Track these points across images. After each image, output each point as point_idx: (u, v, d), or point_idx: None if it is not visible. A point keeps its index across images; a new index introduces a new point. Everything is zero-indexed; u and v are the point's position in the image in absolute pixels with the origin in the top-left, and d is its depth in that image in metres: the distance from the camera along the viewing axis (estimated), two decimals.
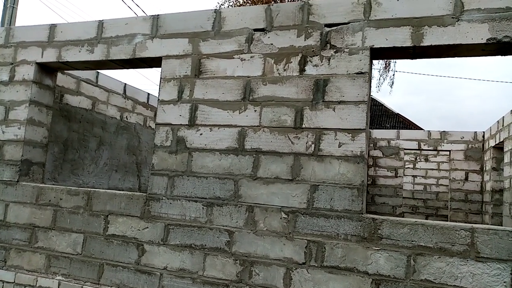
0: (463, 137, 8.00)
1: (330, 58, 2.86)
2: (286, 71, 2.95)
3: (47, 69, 3.96)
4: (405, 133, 8.50)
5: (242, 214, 2.91)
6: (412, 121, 21.66)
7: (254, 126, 2.98)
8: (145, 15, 3.50)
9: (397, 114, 21.28)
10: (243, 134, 3.00)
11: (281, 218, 2.81)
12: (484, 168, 7.66)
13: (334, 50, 2.85)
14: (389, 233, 2.56)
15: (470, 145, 7.93)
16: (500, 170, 6.97)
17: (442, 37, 2.62)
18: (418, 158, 10.95)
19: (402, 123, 20.81)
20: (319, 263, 2.68)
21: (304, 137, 2.84)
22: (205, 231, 2.99)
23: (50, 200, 3.49)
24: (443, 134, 8.19)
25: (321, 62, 2.87)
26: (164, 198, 3.14)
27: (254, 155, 2.95)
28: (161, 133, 3.25)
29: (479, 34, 2.55)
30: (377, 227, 2.59)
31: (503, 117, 6.38)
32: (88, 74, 5.28)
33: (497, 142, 6.69)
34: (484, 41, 2.53)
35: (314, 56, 2.90)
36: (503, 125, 6.38)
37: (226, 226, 2.94)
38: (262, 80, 3.01)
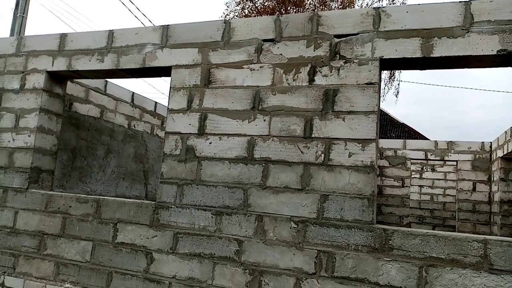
0: (470, 147, 7.97)
1: (339, 69, 2.87)
2: (295, 81, 2.97)
3: (57, 78, 4.00)
4: (411, 143, 8.48)
5: (251, 223, 2.91)
6: (418, 130, 21.61)
7: (263, 135, 2.99)
8: (154, 25, 3.55)
9: (402, 124, 21.25)
10: (252, 143, 3.01)
11: (290, 228, 2.81)
12: (492, 179, 7.61)
13: (344, 60, 2.87)
14: (401, 244, 2.54)
15: (477, 156, 7.89)
16: (509, 180, 6.92)
17: (452, 48, 2.63)
18: (424, 168, 10.90)
19: (407, 132, 20.76)
20: (330, 274, 2.66)
21: (314, 147, 2.84)
22: (214, 240, 2.98)
23: (59, 208, 3.51)
24: (450, 144, 8.15)
25: (331, 72, 2.89)
26: (173, 206, 3.15)
27: (263, 164, 2.95)
28: (170, 141, 3.26)
29: (489, 45, 2.55)
30: (388, 238, 2.58)
31: (511, 127, 6.35)
32: (97, 82, 5.33)
33: (505, 153, 6.65)
34: (494, 52, 2.54)
35: (323, 66, 2.92)
36: (510, 136, 6.35)
37: (235, 235, 2.94)
38: (271, 90, 3.03)
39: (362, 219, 2.66)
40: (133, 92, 6.12)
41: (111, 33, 3.67)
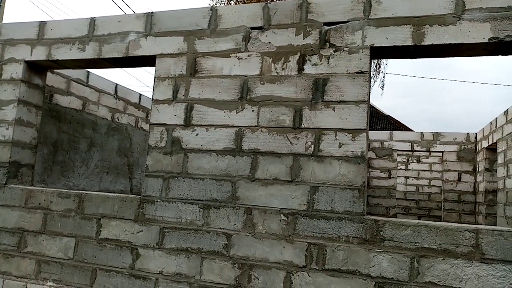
0: (456, 138, 8.04)
1: (329, 57, 2.80)
2: (284, 70, 2.89)
3: (36, 68, 3.84)
4: (398, 134, 8.51)
5: (240, 217, 2.84)
6: (403, 123, 21.81)
7: (252, 126, 2.91)
8: (138, 13, 3.41)
9: (388, 116, 21.41)
10: (240, 135, 2.93)
11: (280, 220, 2.74)
12: (477, 169, 7.70)
13: (334, 49, 2.80)
14: (392, 235, 2.51)
15: (462, 146, 7.97)
16: (493, 171, 7.00)
17: (443, 36, 2.58)
18: (410, 159, 10.99)
19: (393, 125, 20.93)
20: (320, 266, 2.61)
21: (304, 137, 2.78)
22: (202, 234, 2.90)
23: (40, 203, 3.38)
24: (436, 135, 8.21)
25: (320, 61, 2.82)
26: (159, 200, 3.05)
27: (252, 156, 2.88)
28: (155, 133, 3.16)
29: (481, 33, 2.51)
30: (379, 229, 2.54)
31: (496, 118, 6.41)
32: (79, 73, 5.16)
33: (490, 143, 6.71)
34: (486, 40, 2.50)
35: (313, 55, 2.84)
36: (496, 126, 6.41)
37: (223, 228, 2.86)
38: (259, 79, 2.94)
39: (353, 211, 2.61)
40: (117, 84, 5.96)
41: (92, 21, 3.52)
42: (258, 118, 2.90)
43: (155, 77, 3.24)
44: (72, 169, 5.06)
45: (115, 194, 3.20)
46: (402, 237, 2.49)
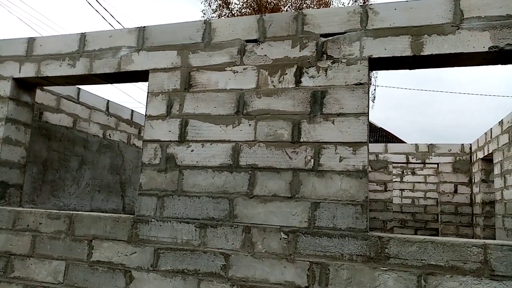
0: (451, 150, 8.01)
1: (327, 69, 2.74)
2: (281, 83, 2.82)
3: (25, 85, 3.73)
4: (393, 146, 8.47)
5: (238, 236, 2.72)
6: (395, 135, 21.90)
7: (249, 141, 2.82)
8: (130, 27, 3.34)
9: (380, 128, 21.49)
10: (237, 150, 2.83)
11: (280, 239, 2.63)
12: (473, 180, 7.66)
13: (331, 60, 2.74)
14: (397, 252, 2.41)
15: (457, 158, 7.94)
16: (490, 181, 6.96)
17: (443, 46, 2.53)
18: (405, 171, 10.95)
19: (385, 137, 21.00)
20: (323, 286, 2.50)
21: (303, 152, 2.69)
22: (199, 255, 2.78)
23: (28, 225, 3.23)
24: (431, 147, 8.19)
25: (318, 73, 2.75)
26: (153, 220, 2.93)
27: (250, 171, 2.78)
28: (149, 150, 3.05)
29: (481, 42, 2.47)
30: (384, 246, 2.44)
31: (491, 129, 6.40)
32: (69, 90, 5.06)
33: (485, 154, 6.69)
34: (486, 49, 2.46)
35: (310, 67, 2.78)
36: (491, 137, 6.39)
37: (221, 248, 2.74)
38: (256, 92, 2.87)
39: (356, 227, 2.52)
40: (108, 100, 5.86)
41: (83, 36, 3.44)
42: (255, 133, 2.81)
43: (148, 92, 3.15)
44: (63, 188, 4.91)
45: (107, 214, 3.07)
46: (408, 254, 2.39)
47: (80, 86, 5.27)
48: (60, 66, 3.46)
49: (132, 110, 6.45)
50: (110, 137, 5.87)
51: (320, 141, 2.67)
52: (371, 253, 2.45)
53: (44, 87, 4.63)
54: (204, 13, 20.36)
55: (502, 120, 5.85)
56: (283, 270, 2.59)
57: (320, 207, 2.60)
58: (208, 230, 2.79)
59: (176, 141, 2.99)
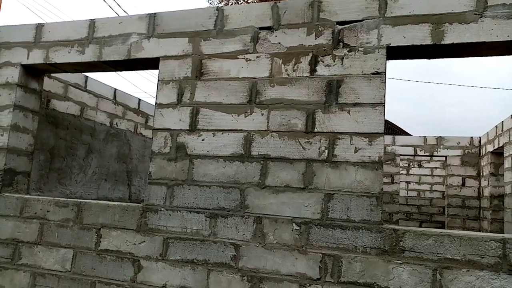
0: (459, 143, 7.93)
1: (343, 58, 2.67)
2: (295, 71, 2.75)
3: (33, 72, 3.68)
4: (401, 139, 8.39)
5: (249, 226, 2.68)
6: (400, 127, 21.76)
7: (262, 130, 2.76)
8: (140, 13, 3.27)
9: (386, 121, 21.35)
10: (249, 140, 2.78)
11: (292, 230, 2.59)
12: (481, 174, 7.58)
13: (348, 49, 2.67)
14: (412, 245, 2.36)
15: (466, 151, 7.86)
16: (499, 175, 6.89)
17: (465, 34, 2.45)
18: (411, 164, 10.87)
19: (391, 129, 20.88)
20: (336, 279, 2.46)
21: (317, 142, 2.63)
22: (209, 245, 2.74)
23: (36, 213, 3.20)
24: (439, 139, 8.10)
25: (334, 62, 2.68)
26: (162, 209, 2.89)
27: (262, 161, 2.73)
28: (159, 139, 3.00)
29: (505, 31, 2.39)
30: (399, 239, 2.39)
31: (503, 122, 6.31)
32: (77, 78, 5.00)
33: (495, 147, 6.61)
34: (510, 38, 2.38)
35: (326, 55, 2.71)
36: (502, 130, 6.30)
37: (231, 239, 2.70)
38: (269, 81, 2.80)
39: (370, 219, 2.47)
40: (115, 89, 5.80)
41: (92, 23, 3.38)
42: (268, 122, 2.75)
43: (158, 80, 3.09)
44: (69, 176, 4.88)
45: (115, 203, 3.04)
46: (424, 247, 2.34)
47: (87, 74, 5.22)
48: (69, 52, 3.40)
49: (139, 99, 6.40)
50: (117, 125, 5.83)
51: (335, 131, 2.61)
52: (386, 246, 2.41)
53: (52, 75, 4.57)
54: (210, 3, 20.16)
55: None
56: (294, 262, 2.55)
57: (334, 199, 2.55)
58: (219, 220, 2.75)
59: (187, 130, 2.94)
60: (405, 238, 2.38)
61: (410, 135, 18.86)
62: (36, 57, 3.52)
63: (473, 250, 2.26)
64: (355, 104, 2.59)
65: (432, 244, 2.33)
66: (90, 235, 3.03)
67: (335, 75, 2.66)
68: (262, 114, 2.78)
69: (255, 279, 2.61)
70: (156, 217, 2.89)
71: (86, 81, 5.19)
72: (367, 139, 2.54)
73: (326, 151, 2.61)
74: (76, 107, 5.00)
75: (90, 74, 5.32)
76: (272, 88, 2.78)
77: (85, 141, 5.15)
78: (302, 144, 2.67)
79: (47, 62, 3.48)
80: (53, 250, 3.10)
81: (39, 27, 3.57)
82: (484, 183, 7.39)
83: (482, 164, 7.59)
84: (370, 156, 2.52)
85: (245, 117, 2.82)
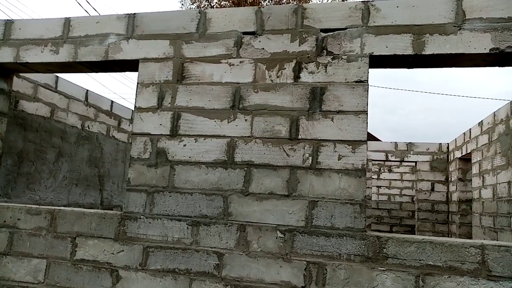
0: (429, 149, 8.18)
1: (327, 65, 2.68)
2: (279, 78, 2.74)
3: (1, 71, 3.49)
4: (373, 144, 8.57)
5: (232, 234, 2.64)
6: (370, 132, 22.24)
7: (245, 136, 2.73)
8: (118, 13, 3.17)
9: None
10: (232, 146, 2.74)
11: (277, 238, 2.57)
12: (450, 179, 7.84)
13: (331, 56, 2.68)
14: (395, 252, 2.39)
15: (435, 156, 8.12)
16: (466, 180, 7.15)
17: (444, 46, 2.52)
18: (382, 168, 11.13)
19: None
20: (320, 287, 2.45)
21: (301, 149, 2.63)
22: (191, 254, 2.68)
23: (5, 221, 3.03)
24: (409, 145, 8.33)
25: (318, 69, 2.69)
26: (142, 217, 2.80)
27: (246, 168, 2.69)
28: (138, 144, 2.91)
29: (482, 43, 2.47)
30: (382, 246, 2.41)
31: (470, 129, 6.55)
32: (47, 78, 4.80)
33: (463, 154, 6.85)
34: (487, 51, 2.46)
35: (309, 62, 2.71)
36: (470, 137, 6.54)
37: (214, 247, 2.65)
38: (253, 87, 2.78)
39: (354, 227, 2.48)
40: (87, 90, 5.61)
41: (67, 21, 3.25)
42: (251, 128, 2.73)
43: (138, 83, 3.00)
44: (39, 181, 4.67)
45: (92, 210, 2.92)
46: (406, 254, 2.38)
47: (58, 74, 5.03)
48: (42, 52, 3.25)
49: (112, 101, 6.23)
50: (88, 128, 5.64)
51: (319, 138, 2.62)
52: (369, 253, 2.42)
53: (21, 74, 4.37)
54: (182, 4, 19.96)
55: (482, 121, 5.99)
56: (279, 270, 2.53)
57: (318, 206, 2.55)
58: (201, 228, 2.69)
59: (168, 135, 2.87)
60: (388, 245, 2.41)
61: (380, 140, 19.31)
62: (5, 56, 3.35)
63: (454, 257, 2.31)
64: (339, 112, 2.61)
65: (415, 251, 2.37)
66: (65, 244, 2.89)
67: (319, 82, 2.67)
68: (246, 120, 2.75)
69: None
70: (136, 225, 2.80)
71: (56, 82, 4.99)
72: (351, 146, 2.56)
73: (310, 158, 2.61)
74: (46, 109, 4.79)
75: (61, 75, 5.12)
76: (256, 94, 2.76)
77: (55, 144, 4.95)
78: (286, 151, 2.65)
79: (18, 61, 3.32)
80: (24, 261, 2.94)
81: (8, 23, 3.40)
82: (452, 188, 7.65)
83: (450, 169, 7.86)
84: (353, 164, 2.54)
85: (228, 122, 2.77)
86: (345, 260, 2.45)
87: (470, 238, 6.90)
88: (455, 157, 7.46)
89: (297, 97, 2.69)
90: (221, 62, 2.86)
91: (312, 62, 2.71)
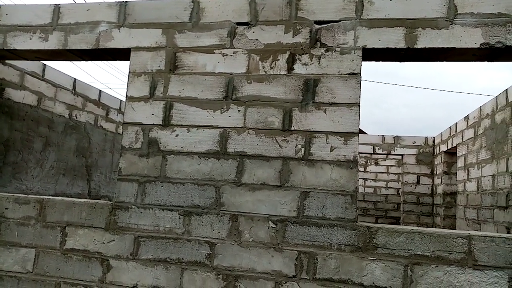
0: (415, 142, 8.30)
1: (320, 57, 2.69)
2: (273, 69, 2.75)
3: None
4: (360, 137, 8.65)
5: (224, 224, 2.65)
6: None
7: (238, 127, 2.74)
8: (110, 1, 3.12)
9: None
10: (225, 136, 2.74)
11: (268, 228, 2.59)
12: (435, 172, 7.99)
13: (325, 48, 2.70)
14: (385, 242, 2.44)
15: (421, 150, 8.25)
16: (451, 174, 7.29)
17: (436, 39, 2.56)
18: (368, 161, 11.26)
19: None
20: (311, 276, 2.49)
21: (293, 140, 2.65)
22: (182, 243, 2.68)
23: None
24: (396, 138, 8.44)
25: (311, 61, 2.70)
26: (133, 207, 2.79)
27: (238, 159, 2.70)
28: (129, 133, 2.89)
29: (473, 38, 2.51)
30: (372, 236, 2.46)
31: (456, 123, 6.67)
32: (34, 66, 4.71)
33: (449, 147, 6.98)
34: (477, 45, 2.51)
35: (303, 54, 2.72)
36: (456, 131, 6.66)
37: (206, 237, 2.66)
38: (246, 78, 2.78)
39: (345, 217, 2.52)
40: (75, 79, 5.52)
41: (57, 8, 3.18)
42: (244, 119, 2.73)
43: (129, 72, 2.97)
44: (25, 171, 4.60)
45: (82, 200, 2.90)
46: (395, 244, 2.43)
47: (45, 62, 4.93)
48: (30, 39, 3.19)
49: (100, 90, 6.14)
50: (76, 117, 5.56)
51: (312, 130, 2.64)
52: (360, 243, 2.47)
53: (7, 61, 4.27)
54: None
55: (468, 115, 6.10)
56: (270, 260, 2.56)
57: (310, 197, 2.57)
58: (193, 218, 2.70)
59: (160, 125, 2.85)
60: (378, 235, 2.45)
61: (366, 133, 19.50)
62: None
63: (442, 247, 2.37)
64: (331, 104, 2.63)
65: (404, 241, 2.42)
66: (55, 233, 2.87)
67: (312, 74, 2.68)
68: (239, 111, 2.75)
69: (230, 277, 2.59)
70: (127, 215, 2.79)
71: (44, 70, 4.90)
72: (343, 138, 2.59)
73: (303, 149, 2.63)
74: (33, 97, 4.71)
75: (48, 62, 5.03)
76: (249, 85, 2.76)
77: (42, 133, 4.87)
78: (279, 142, 2.67)
79: (5, 48, 3.25)
80: (12, 250, 2.90)
81: None
82: (437, 181, 7.80)
83: (435, 163, 8.00)
84: (345, 155, 2.57)
85: (221, 113, 2.77)
86: (335, 250, 2.49)
87: (454, 229, 7.06)
88: (440, 151, 7.59)
89: (290, 89, 2.70)
90: (214, 52, 2.85)
91: (306, 54, 2.72)
